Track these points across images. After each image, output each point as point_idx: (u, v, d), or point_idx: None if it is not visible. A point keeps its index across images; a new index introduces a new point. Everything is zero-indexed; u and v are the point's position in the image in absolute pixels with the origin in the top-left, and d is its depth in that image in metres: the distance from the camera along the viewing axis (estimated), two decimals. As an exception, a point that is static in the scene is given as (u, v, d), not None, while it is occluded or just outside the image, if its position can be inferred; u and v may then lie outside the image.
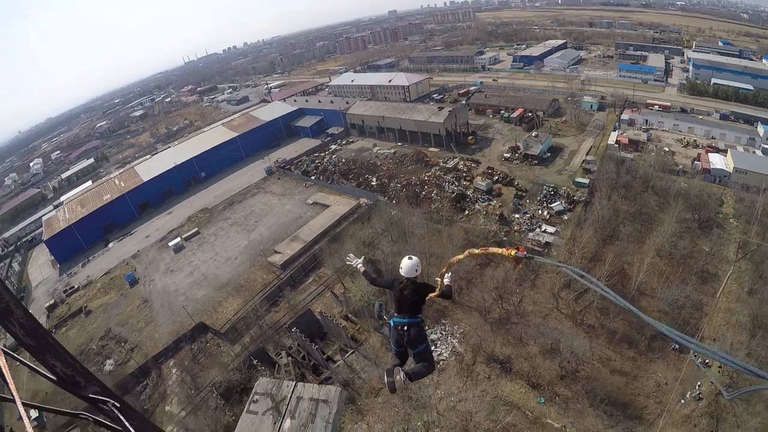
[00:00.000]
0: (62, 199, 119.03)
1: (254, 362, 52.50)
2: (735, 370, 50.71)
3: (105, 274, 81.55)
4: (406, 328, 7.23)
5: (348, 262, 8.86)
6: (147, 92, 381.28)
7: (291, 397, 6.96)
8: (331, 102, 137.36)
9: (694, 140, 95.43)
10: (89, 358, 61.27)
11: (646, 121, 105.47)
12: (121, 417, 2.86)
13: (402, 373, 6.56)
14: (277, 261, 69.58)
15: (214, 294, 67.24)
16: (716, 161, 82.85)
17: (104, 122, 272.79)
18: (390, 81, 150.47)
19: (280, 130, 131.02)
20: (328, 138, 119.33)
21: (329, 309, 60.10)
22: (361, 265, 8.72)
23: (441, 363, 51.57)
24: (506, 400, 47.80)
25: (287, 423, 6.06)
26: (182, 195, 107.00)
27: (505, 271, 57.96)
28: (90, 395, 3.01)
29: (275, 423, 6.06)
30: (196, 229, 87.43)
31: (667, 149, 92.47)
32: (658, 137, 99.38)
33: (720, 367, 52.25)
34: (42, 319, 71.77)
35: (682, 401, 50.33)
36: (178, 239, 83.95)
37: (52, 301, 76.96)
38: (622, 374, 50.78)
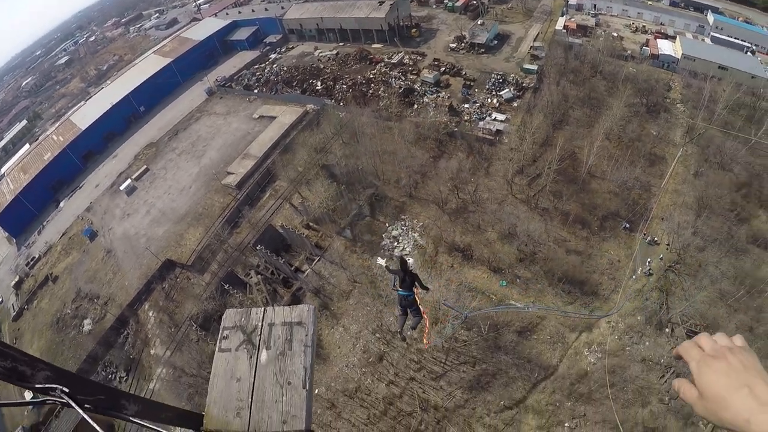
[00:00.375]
0: (2, 170, 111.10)
1: (226, 287, 52.80)
2: (682, 248, 54.42)
3: (63, 235, 78.02)
4: (406, 296, 13.81)
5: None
6: (69, 36, 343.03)
7: (262, 325, 6.02)
8: (266, 9, 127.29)
9: (643, 26, 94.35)
10: (67, 324, 60.30)
11: (594, 6, 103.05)
12: (71, 402, 2.06)
13: (409, 329, 13.40)
14: (232, 182, 67.57)
15: (175, 228, 65.60)
16: (665, 47, 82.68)
17: (29, 78, 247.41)
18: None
19: (216, 48, 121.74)
20: (267, 47, 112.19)
21: (290, 221, 59.83)
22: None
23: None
24: (470, 286, 49.96)
25: (264, 355, 5.66)
26: (125, 134, 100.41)
27: (459, 161, 58.17)
28: (37, 385, 2.16)
29: (251, 357, 5.71)
30: (144, 166, 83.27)
31: (615, 34, 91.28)
32: (606, 22, 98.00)
33: (668, 245, 55.26)
34: (11, 299, 69.68)
35: (634, 277, 53.67)
36: (129, 181, 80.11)
37: (17, 278, 73.22)
38: (577, 254, 53.28)
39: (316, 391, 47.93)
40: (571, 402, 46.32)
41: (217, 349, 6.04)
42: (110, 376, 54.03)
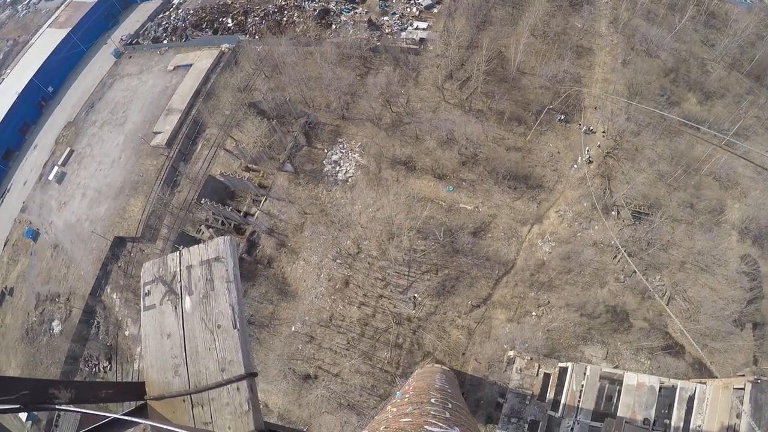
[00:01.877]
0: None
1: (180, 249, 51.28)
2: (618, 134, 56.12)
3: (5, 245, 73.07)
4: None
5: None
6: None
7: (180, 270, 5.28)
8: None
9: None
10: (36, 332, 57.50)
11: None
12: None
13: None
14: (160, 141, 64.04)
15: (115, 203, 62.25)
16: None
17: None
18: None
19: (114, 5, 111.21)
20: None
21: (228, 167, 57.84)
22: None
23: (349, 180, 52.21)
24: (419, 196, 50.27)
25: (187, 302, 5.05)
26: (39, 121, 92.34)
27: (387, 75, 57.04)
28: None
29: (176, 308, 5.06)
30: (68, 149, 77.39)
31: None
32: None
33: (604, 132, 56.36)
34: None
35: (575, 166, 55.05)
36: (56, 168, 74.49)
37: (-29, 305, 69.40)
38: (517, 150, 54.04)
39: (293, 329, 48.38)
40: (534, 292, 48.48)
41: (141, 308, 5.26)
42: (94, 369, 53.07)
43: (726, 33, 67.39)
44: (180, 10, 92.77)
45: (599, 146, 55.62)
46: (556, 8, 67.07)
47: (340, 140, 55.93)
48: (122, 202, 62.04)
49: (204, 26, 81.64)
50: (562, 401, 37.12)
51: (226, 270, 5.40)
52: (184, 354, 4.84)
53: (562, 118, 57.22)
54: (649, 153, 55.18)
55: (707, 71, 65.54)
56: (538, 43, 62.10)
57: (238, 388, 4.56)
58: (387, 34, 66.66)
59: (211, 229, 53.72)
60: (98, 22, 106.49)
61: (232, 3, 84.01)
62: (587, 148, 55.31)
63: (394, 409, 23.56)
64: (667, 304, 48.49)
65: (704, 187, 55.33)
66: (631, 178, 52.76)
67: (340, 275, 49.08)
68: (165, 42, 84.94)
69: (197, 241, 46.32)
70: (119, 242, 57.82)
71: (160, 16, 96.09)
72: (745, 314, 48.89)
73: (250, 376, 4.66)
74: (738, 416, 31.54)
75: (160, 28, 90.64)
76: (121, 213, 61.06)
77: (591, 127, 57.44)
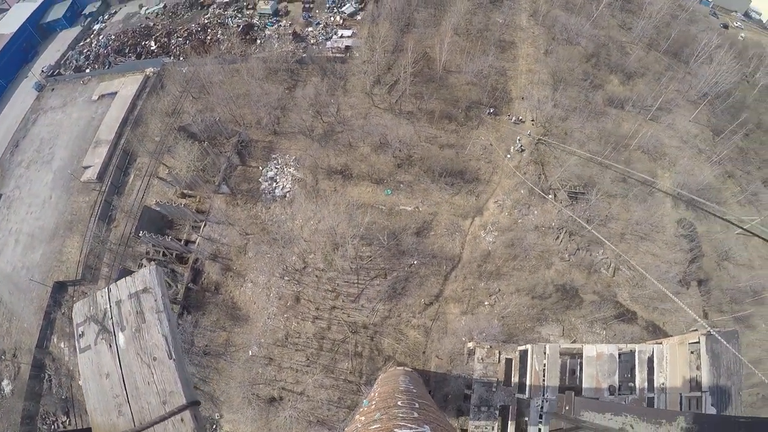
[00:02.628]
0: None
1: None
2: (547, 120, 57.74)
3: None
4: None
5: None
6: None
7: (110, 306, 5.18)
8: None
9: None
10: None
11: None
12: None
13: None
14: (91, 176, 61.49)
15: (51, 246, 59.20)
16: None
17: None
18: None
19: (33, 36, 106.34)
20: (88, 19, 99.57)
21: (164, 195, 56.39)
22: None
23: (287, 195, 51.69)
24: (358, 203, 50.35)
25: (121, 338, 5.00)
26: None
27: (315, 86, 57.14)
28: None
29: (110, 345, 4.98)
30: (-6, 194, 73.66)
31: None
32: None
33: (533, 120, 57.88)
34: None
35: (508, 156, 56.41)
36: None
37: None
38: (450, 147, 54.93)
39: (250, 353, 47.51)
40: (483, 282, 49.25)
41: (77, 351, 5.10)
42: (53, 427, 50.31)
43: (642, 16, 70.49)
44: (101, 36, 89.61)
45: (530, 134, 57.13)
46: (477, 6, 68.64)
47: (274, 156, 55.36)
48: (58, 244, 59.18)
49: (127, 51, 79.11)
50: (528, 383, 37.41)
51: (155, 300, 5.26)
52: (124, 392, 4.80)
53: (491, 111, 58.51)
54: (578, 135, 57.02)
55: (627, 53, 68.34)
56: (462, 41, 63.14)
57: (182, 419, 4.53)
58: (312, 44, 66.65)
59: (152, 262, 51.86)
60: (17, 55, 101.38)
61: (154, 25, 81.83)
62: (518, 138, 56.71)
63: (363, 418, 23.39)
64: (613, 275, 50.53)
65: (634, 161, 57.64)
66: (563, 161, 54.42)
67: (290, 292, 48.51)
68: (88, 71, 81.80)
69: (138, 276, 44.65)
70: (60, 287, 55.00)
71: (81, 43, 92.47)
72: (689, 273, 51.33)
73: (193, 405, 4.63)
74: (698, 368, 32.76)
75: (82, 57, 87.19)
76: (58, 256, 58.20)
77: (520, 117, 59.00)
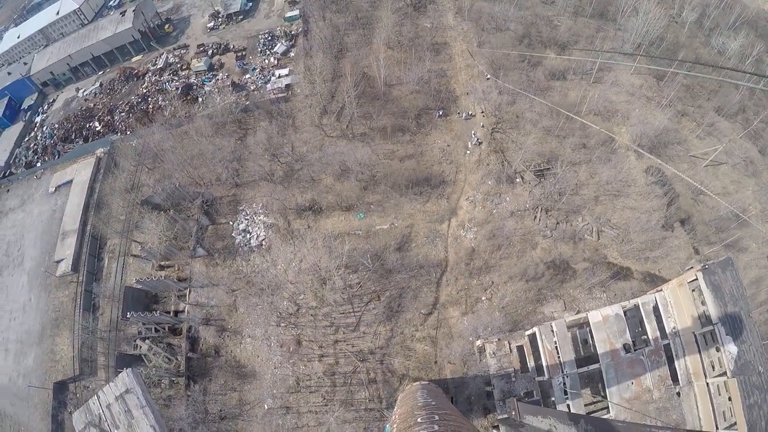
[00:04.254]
0: None
1: (96, 392, 48.51)
2: (496, 109, 58.37)
3: None
4: None
5: None
6: None
7: (103, 409, 5.27)
8: (9, 74, 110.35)
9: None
10: None
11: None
12: None
13: None
14: (65, 269, 60.63)
15: (42, 348, 57.98)
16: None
17: None
18: (58, 13, 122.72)
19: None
20: (28, 113, 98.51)
21: (142, 271, 55.82)
22: None
23: (263, 243, 51.59)
24: (335, 234, 50.51)
25: None
26: None
27: (265, 130, 57.89)
28: None
29: None
30: (-28, 310, 71.80)
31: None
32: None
33: (482, 112, 58.83)
34: None
35: (468, 152, 57.27)
36: None
37: None
38: (410, 158, 55.80)
39: (266, 407, 47.08)
40: (475, 279, 49.59)
41: None
42: None
43: (561, -14, 72.45)
44: (45, 128, 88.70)
45: (483, 126, 58.01)
46: (402, 17, 70.37)
47: (241, 208, 55.36)
48: (48, 344, 58.05)
49: (73, 137, 78.47)
50: (544, 364, 37.69)
51: (137, 398, 5.90)
52: (130, 487, 5.32)
53: (441, 113, 59.37)
54: (530, 115, 58.06)
55: (556, 26, 70.14)
56: (396, 54, 64.47)
57: None
58: (253, 90, 67.24)
59: (147, 341, 51.36)
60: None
61: (94, 106, 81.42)
62: (473, 132, 57.52)
63: None
64: (598, 239, 51.34)
65: (587, 126, 58.75)
66: (522, 144, 55.25)
67: (290, 337, 48.28)
68: (39, 164, 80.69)
69: (138, 358, 43.87)
70: (61, 387, 53.76)
71: (27, 138, 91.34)
72: (670, 216, 52.38)
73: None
74: (703, 303, 33.52)
75: (30, 152, 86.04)
76: (51, 356, 57.05)
77: (470, 112, 59.88)
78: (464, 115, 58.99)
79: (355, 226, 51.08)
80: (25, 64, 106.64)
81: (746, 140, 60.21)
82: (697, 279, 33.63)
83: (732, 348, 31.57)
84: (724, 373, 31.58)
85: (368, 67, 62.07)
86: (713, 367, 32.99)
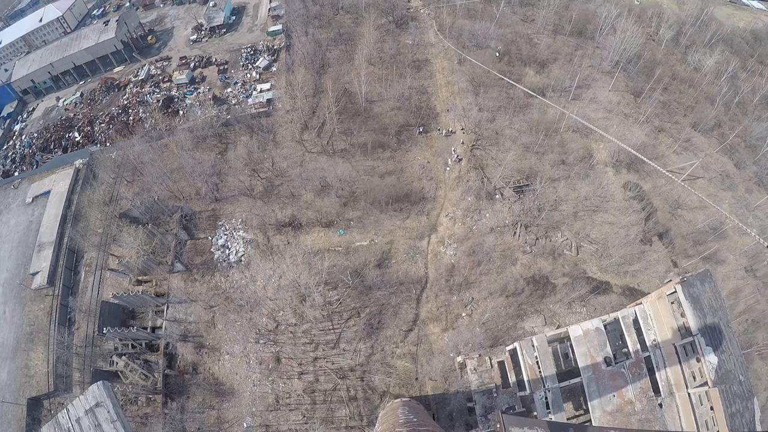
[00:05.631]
0: None
1: (65, 405, 47.64)
2: (476, 126, 59.04)
3: None
4: None
5: None
6: None
7: (72, 423, 5.20)
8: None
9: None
10: None
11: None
12: None
13: None
14: (41, 282, 59.40)
15: (15, 363, 56.48)
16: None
17: None
18: (41, 20, 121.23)
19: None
20: (7, 121, 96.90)
21: (119, 286, 55.02)
22: None
23: (242, 259, 51.34)
24: (314, 250, 50.50)
25: None
26: None
27: (245, 145, 58.18)
28: None
29: None
30: (-57, 323, 69.96)
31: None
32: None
33: (462, 129, 59.67)
34: None
35: (448, 168, 57.85)
36: None
37: None
38: (390, 174, 56.26)
39: (245, 425, 46.47)
40: (455, 295, 49.82)
41: None
42: None
43: (541, 6, 74.07)
44: (24, 136, 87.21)
45: (463, 143, 58.56)
46: (384, 33, 71.09)
47: (220, 223, 55.03)
48: (22, 359, 56.69)
49: (52, 147, 77.22)
50: (525, 379, 38.19)
51: (108, 412, 5.87)
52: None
53: (421, 130, 59.90)
54: (509, 132, 58.82)
55: (535, 44, 71.45)
56: (378, 70, 64.96)
57: None
58: (234, 104, 67.11)
59: (123, 357, 50.57)
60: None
61: (75, 116, 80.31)
62: (453, 149, 58.05)
63: None
64: (577, 254, 52.02)
65: (567, 142, 59.69)
66: (501, 160, 55.88)
67: (269, 354, 47.91)
68: (16, 174, 79.14)
69: (114, 375, 42.95)
70: (35, 403, 52.23)
71: (5, 147, 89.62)
72: (648, 230, 53.32)
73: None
74: (682, 315, 34.25)
75: (8, 161, 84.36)
76: (25, 371, 55.70)
77: (450, 129, 60.55)
78: (444, 131, 59.61)
79: (335, 243, 51.09)
80: (6, 70, 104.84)
81: (722, 155, 61.85)
82: (676, 291, 34.48)
83: (712, 358, 32.46)
84: (706, 383, 32.47)
85: (349, 83, 62.42)
86: (694, 378, 33.80)
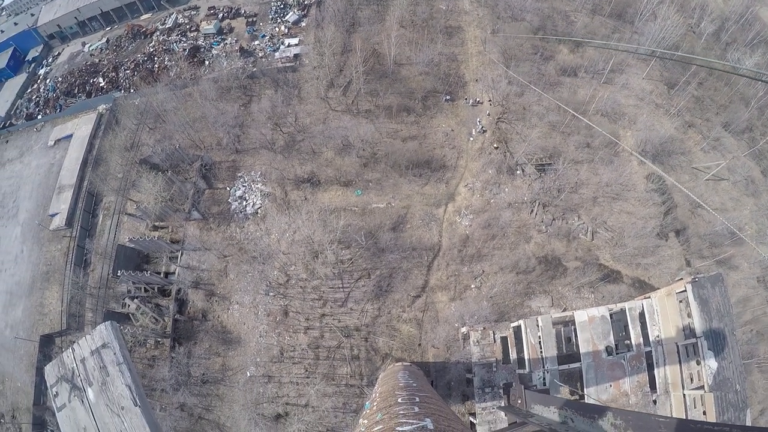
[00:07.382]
0: None
1: (72, 344, 48.62)
2: (503, 99, 57.99)
3: None
4: None
5: None
6: None
7: (76, 364, 5.67)
8: (15, 24, 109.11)
9: None
10: None
11: None
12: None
13: None
14: (59, 223, 60.37)
15: (31, 300, 57.94)
16: None
17: None
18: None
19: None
20: (33, 64, 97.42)
21: (135, 231, 55.61)
22: None
23: (259, 212, 51.46)
24: (331, 208, 50.43)
25: (90, 393, 5.45)
26: None
27: (270, 99, 57.42)
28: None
29: (82, 401, 5.44)
30: (-36, 260, 71.55)
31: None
32: None
33: (490, 101, 58.47)
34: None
35: (471, 138, 56.82)
36: None
37: None
38: (413, 139, 55.30)
39: (248, 374, 47.30)
40: (466, 266, 49.66)
41: (55, 411, 5.50)
42: None
43: (582, -17, 71.48)
44: (48, 80, 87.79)
45: (489, 115, 57.59)
46: (418, -5, 68.85)
47: (239, 175, 55.01)
48: (37, 297, 58.02)
49: (76, 91, 77.56)
50: (526, 357, 37.93)
51: (114, 354, 5.65)
52: (102, 444, 5.23)
53: (448, 97, 58.87)
54: (537, 108, 57.69)
55: (572, 22, 69.20)
56: (408, 33, 63.48)
57: None
58: (261, 57, 66.18)
59: (136, 300, 51.39)
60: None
61: (100, 61, 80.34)
62: (478, 120, 57.13)
63: (365, 421, 23.56)
64: (592, 239, 51.43)
65: (595, 125, 58.42)
66: (526, 136, 55.04)
67: (277, 307, 48.35)
68: (40, 116, 79.98)
69: (125, 317, 43.86)
70: (47, 340, 53.86)
71: (29, 90, 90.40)
72: (665, 225, 52.48)
73: (162, 447, 5.03)
74: (689, 315, 33.68)
75: (31, 104, 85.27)
76: (39, 309, 57.06)
77: (477, 99, 59.36)
78: (471, 101, 58.60)
79: (351, 202, 50.94)
80: (32, 15, 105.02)
81: (750, 159, 60.10)
82: (685, 290, 33.71)
83: (712, 363, 31.89)
84: (702, 387, 31.91)
85: (379, 44, 61.34)
86: (692, 380, 33.25)
